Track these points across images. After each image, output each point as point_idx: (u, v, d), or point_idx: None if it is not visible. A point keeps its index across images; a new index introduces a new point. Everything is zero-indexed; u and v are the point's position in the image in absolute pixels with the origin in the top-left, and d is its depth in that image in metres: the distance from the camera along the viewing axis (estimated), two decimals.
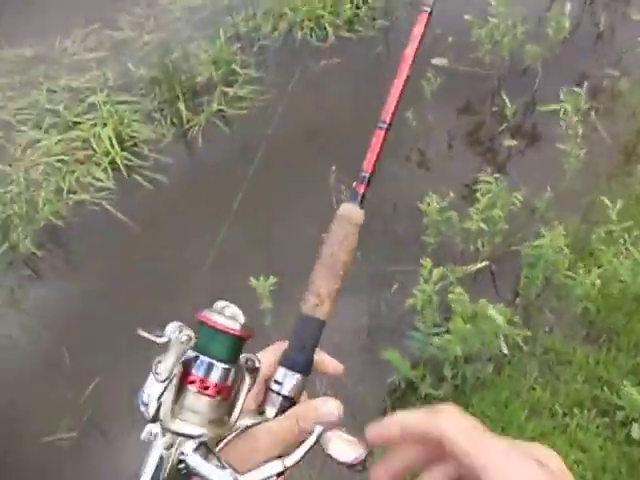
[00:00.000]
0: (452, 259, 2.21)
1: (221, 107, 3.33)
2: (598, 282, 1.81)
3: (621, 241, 2.06)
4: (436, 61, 3.49)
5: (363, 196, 0.63)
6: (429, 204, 1.97)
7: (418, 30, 0.80)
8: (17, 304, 2.47)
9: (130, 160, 3.03)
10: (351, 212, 0.61)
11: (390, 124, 0.65)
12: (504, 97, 3.08)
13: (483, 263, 2.31)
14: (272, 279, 1.90)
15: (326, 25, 3.87)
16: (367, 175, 0.65)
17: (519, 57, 3.23)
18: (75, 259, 2.64)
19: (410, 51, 0.79)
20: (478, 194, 1.94)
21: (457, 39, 3.52)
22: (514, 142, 2.95)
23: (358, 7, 4.00)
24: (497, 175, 2.01)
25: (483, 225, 1.90)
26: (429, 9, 0.81)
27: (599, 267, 1.93)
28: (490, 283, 2.34)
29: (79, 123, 3.25)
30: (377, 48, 3.67)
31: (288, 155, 2.96)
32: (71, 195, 2.89)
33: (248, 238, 2.59)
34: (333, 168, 2.52)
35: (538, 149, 2.87)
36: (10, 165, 3.12)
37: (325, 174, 2.55)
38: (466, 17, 3.39)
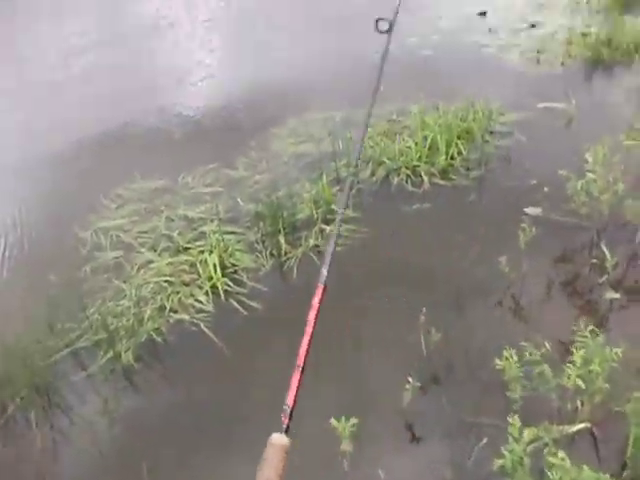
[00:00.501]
0: (547, 417, 2.07)
1: (317, 243, 3.54)
2: None
3: None
4: (530, 210, 3.55)
5: (288, 426, 0.92)
6: (508, 359, 1.91)
7: (316, 300, 1.35)
8: (109, 414, 2.59)
9: (229, 286, 3.25)
10: (280, 440, 0.89)
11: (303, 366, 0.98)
12: (604, 249, 3.03)
13: (583, 424, 2.14)
14: (353, 420, 1.87)
15: (422, 173, 4.12)
16: (289, 409, 0.99)
17: (619, 211, 3.21)
18: (168, 375, 2.76)
19: (312, 316, 1.33)
20: (573, 348, 1.86)
21: (552, 190, 3.60)
22: (617, 295, 2.84)
23: (453, 158, 4.26)
24: (593, 328, 1.93)
25: (580, 382, 1.79)
26: (323, 285, 1.34)
27: None
28: (591, 448, 2.14)
29: (189, 249, 3.58)
30: (470, 196, 3.81)
31: (379, 292, 3.04)
32: (172, 314, 3.11)
33: (332, 374, 2.60)
34: (423, 310, 2.54)
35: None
36: (125, 282, 3.45)
37: (414, 315, 2.57)
38: (560, 172, 3.48)
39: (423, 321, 2.52)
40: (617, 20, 6.21)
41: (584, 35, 6.29)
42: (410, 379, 2.25)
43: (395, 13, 2.13)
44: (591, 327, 1.93)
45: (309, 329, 1.13)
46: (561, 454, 1.56)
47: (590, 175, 3.08)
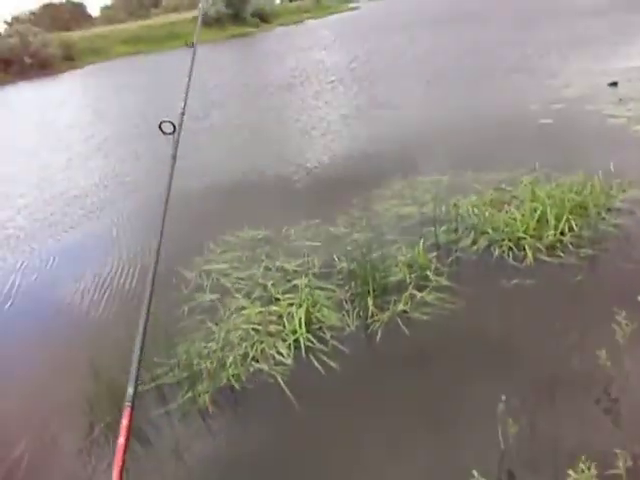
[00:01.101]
0: None
1: (406, 308, 3.46)
2: None
3: None
4: None
5: None
6: (584, 471, 1.69)
7: (125, 422, 1.18)
8: (180, 455, 2.68)
9: (312, 342, 3.27)
10: None
11: None
12: None
13: None
14: None
15: (525, 246, 3.92)
16: None
17: None
18: (240, 422, 2.81)
19: (122, 441, 1.14)
20: None
21: None
22: None
23: (563, 233, 4.01)
24: None
25: None
26: (130, 404, 1.18)
27: None
28: None
29: (279, 300, 3.68)
30: (577, 276, 3.54)
31: (460, 370, 2.89)
32: (253, 362, 3.18)
33: (403, 456, 2.49)
34: (503, 397, 2.37)
35: None
36: (217, 324, 3.61)
37: (493, 402, 2.40)
38: None
39: (502, 410, 2.34)
40: None
41: None
42: (475, 472, 2.08)
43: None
44: None
45: (118, 457, 1.00)
46: None
47: None
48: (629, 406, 2.54)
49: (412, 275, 3.78)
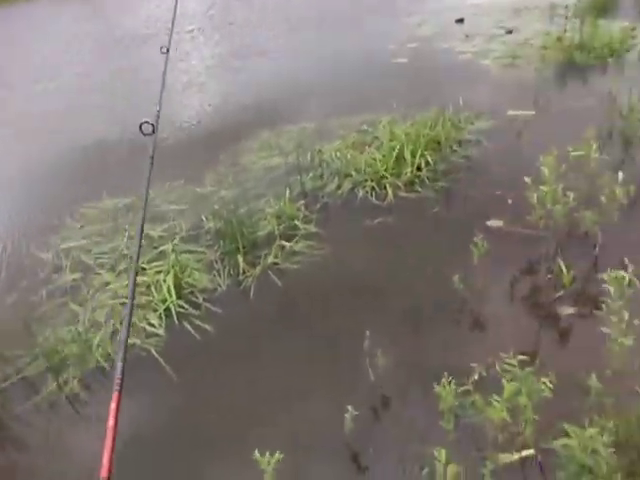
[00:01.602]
0: (492, 445, 2.00)
1: (276, 260, 3.47)
2: None
3: None
4: (491, 223, 3.49)
5: None
6: (445, 387, 1.84)
7: (114, 405, 1.27)
8: (51, 448, 2.52)
9: (184, 308, 3.18)
10: None
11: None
12: (560, 263, 2.96)
13: (528, 451, 2.07)
14: (278, 455, 1.80)
15: (386, 185, 4.06)
16: None
17: (575, 223, 3.15)
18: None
19: (111, 422, 1.24)
20: (504, 381, 1.78)
21: (515, 201, 3.54)
22: (571, 310, 2.77)
23: (419, 169, 4.20)
24: (523, 357, 1.86)
25: (505, 415, 1.72)
26: (118, 390, 1.28)
27: None
28: (537, 476, 2.07)
29: (145, 269, 3.51)
30: (434, 208, 3.75)
31: (331, 312, 2.98)
32: None
33: (274, 400, 2.53)
34: (368, 333, 2.48)
35: (587, 327, 2.66)
36: (80, 305, 3.38)
37: (362, 337, 2.51)
38: (526, 179, 3.43)
39: (368, 345, 2.45)
40: (591, 24, 6.17)
41: (559, 40, 6.25)
42: (350, 407, 2.18)
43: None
44: (521, 357, 1.85)
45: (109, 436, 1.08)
46: None
47: (543, 187, 3.01)
48: (482, 321, 2.78)
49: (281, 226, 3.78)
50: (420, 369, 2.52)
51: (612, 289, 2.06)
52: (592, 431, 1.67)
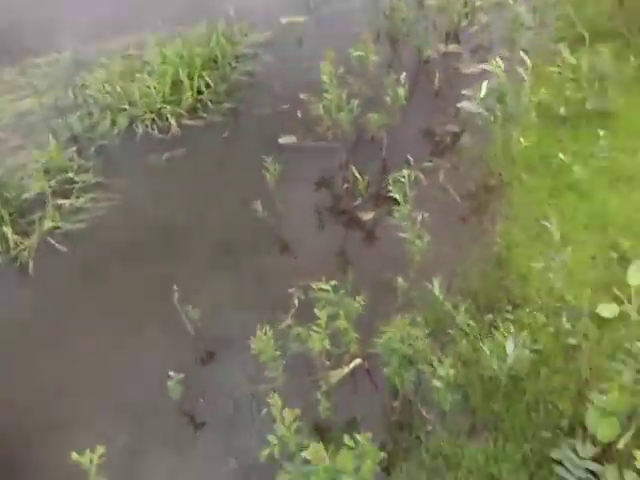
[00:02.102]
0: (318, 370, 2.01)
1: (56, 224, 2.97)
2: (452, 372, 1.69)
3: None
4: (284, 140, 3.40)
5: None
6: (262, 338, 1.75)
7: None
8: None
9: None
10: None
11: None
12: (354, 171, 3.00)
13: (355, 361, 2.13)
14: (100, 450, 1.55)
15: (167, 115, 3.68)
16: None
17: (362, 128, 3.20)
18: None
19: None
20: (317, 307, 1.75)
21: (305, 114, 3.47)
22: (370, 215, 2.86)
23: (200, 92, 3.87)
24: (334, 282, 1.85)
25: (326, 344, 1.70)
26: None
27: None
28: (367, 379, 2.15)
29: None
30: (223, 133, 3.51)
31: (130, 271, 2.67)
32: None
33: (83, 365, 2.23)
34: (175, 287, 2.26)
35: (388, 230, 2.79)
36: None
37: (169, 289, 2.29)
38: (302, 96, 3.36)
39: (179, 298, 2.25)
40: None
41: None
42: (172, 373, 2.00)
43: None
44: (333, 282, 1.84)
45: None
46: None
47: (327, 96, 2.97)
48: (291, 245, 2.73)
49: (52, 182, 3.23)
50: (239, 310, 2.41)
51: (398, 196, 2.10)
52: (406, 321, 1.75)
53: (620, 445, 1.68)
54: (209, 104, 3.79)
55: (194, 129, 3.60)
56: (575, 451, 1.70)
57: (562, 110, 3.15)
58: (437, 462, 1.84)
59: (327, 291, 1.78)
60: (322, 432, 1.94)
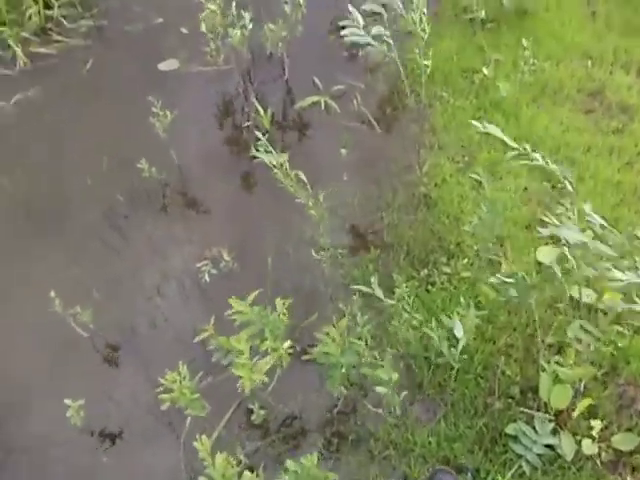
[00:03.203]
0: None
1: None
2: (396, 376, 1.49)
3: None
4: (164, 66, 2.81)
5: None
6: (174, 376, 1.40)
7: None
8: None
9: None
10: None
11: None
12: (255, 102, 2.54)
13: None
14: None
15: (9, 41, 2.90)
16: None
17: (258, 45, 2.68)
18: None
19: None
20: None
21: (191, 30, 2.86)
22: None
23: (49, 6, 3.06)
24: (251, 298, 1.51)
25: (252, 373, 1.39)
26: None
27: None
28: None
29: None
30: (87, 63, 2.84)
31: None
32: None
33: None
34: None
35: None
36: None
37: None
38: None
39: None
40: None
41: None
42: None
43: None
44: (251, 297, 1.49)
45: None
46: None
47: (211, 8, 2.40)
48: (190, 210, 2.29)
49: None
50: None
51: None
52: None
53: (576, 413, 1.59)
54: (63, 22, 3.03)
55: (48, 59, 2.88)
56: (532, 426, 1.59)
57: (479, 11, 2.79)
58: (389, 452, 1.68)
59: (246, 314, 1.44)
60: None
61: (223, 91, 2.67)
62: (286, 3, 2.59)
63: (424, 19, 1.99)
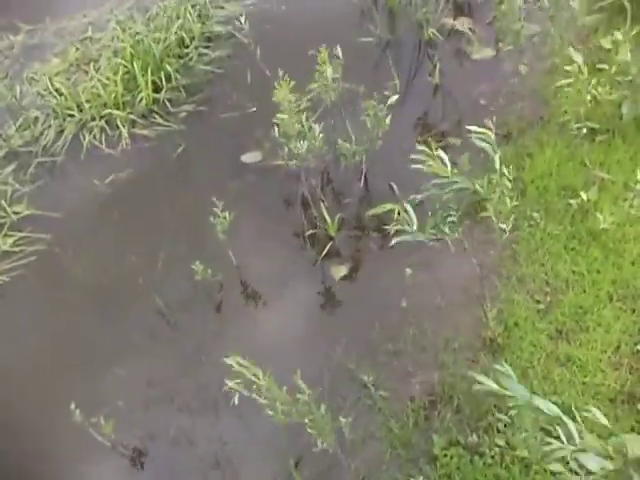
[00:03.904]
0: None
1: None
2: None
3: None
4: (247, 158, 2.83)
5: None
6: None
7: None
8: None
9: None
10: None
11: None
12: (324, 211, 2.43)
13: None
14: None
15: (119, 123, 3.12)
16: None
17: (338, 150, 2.59)
18: None
19: None
20: None
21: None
22: (343, 271, 2.32)
23: (158, 90, 3.25)
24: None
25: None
26: None
27: None
28: None
29: None
30: (178, 148, 2.95)
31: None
32: None
33: None
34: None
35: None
36: None
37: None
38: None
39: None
40: None
41: None
42: None
43: None
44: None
45: None
46: None
47: (281, 115, 2.35)
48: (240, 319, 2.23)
49: None
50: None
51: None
52: None
53: None
54: (168, 105, 3.22)
55: (147, 141, 3.05)
56: None
57: (591, 120, 2.45)
58: None
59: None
60: None
61: (296, 191, 2.61)
62: (368, 116, 2.44)
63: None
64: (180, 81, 3.34)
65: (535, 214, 2.27)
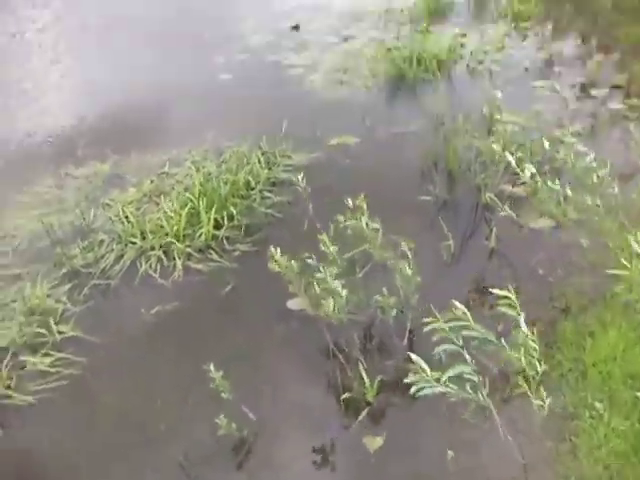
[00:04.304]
0: None
1: (8, 391, 2.53)
2: None
3: None
4: (292, 304, 2.80)
5: None
6: None
7: None
8: None
9: None
10: None
11: None
12: (362, 372, 2.30)
13: None
14: None
15: (175, 254, 3.23)
16: None
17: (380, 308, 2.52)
18: None
19: None
20: None
21: None
22: (379, 441, 2.12)
23: (219, 227, 3.40)
24: None
25: None
26: None
27: None
28: None
29: None
30: (227, 286, 2.97)
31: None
32: None
33: None
34: None
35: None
36: None
37: None
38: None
39: None
40: (421, 35, 5.78)
41: (389, 50, 5.78)
42: None
43: None
44: None
45: None
46: None
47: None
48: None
49: (28, 329, 2.83)
50: None
51: None
52: None
53: None
54: (225, 243, 3.32)
55: (198, 275, 3.11)
56: None
57: None
58: None
59: None
60: None
61: (336, 343, 2.51)
62: (415, 275, 2.40)
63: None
64: (241, 221, 3.48)
65: (597, 404, 2.05)
